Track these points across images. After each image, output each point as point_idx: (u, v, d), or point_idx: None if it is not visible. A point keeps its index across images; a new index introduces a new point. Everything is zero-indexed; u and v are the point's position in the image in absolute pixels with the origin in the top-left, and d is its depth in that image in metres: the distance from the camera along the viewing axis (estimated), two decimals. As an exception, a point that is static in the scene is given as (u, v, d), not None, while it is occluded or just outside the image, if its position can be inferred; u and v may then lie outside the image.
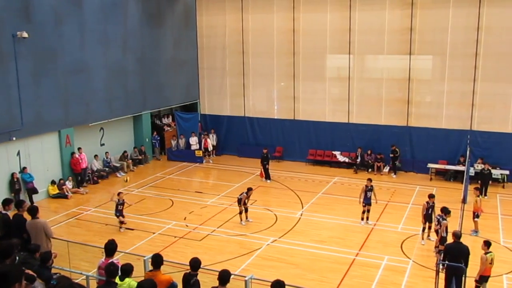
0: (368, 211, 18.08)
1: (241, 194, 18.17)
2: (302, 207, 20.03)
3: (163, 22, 27.47)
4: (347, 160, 26.16)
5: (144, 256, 10.18)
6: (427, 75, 25.33)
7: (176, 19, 28.47)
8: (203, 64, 29.69)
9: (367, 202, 17.98)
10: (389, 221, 18.48)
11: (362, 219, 18.15)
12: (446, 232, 14.63)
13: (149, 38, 26.44)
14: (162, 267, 9.04)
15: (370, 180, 18.46)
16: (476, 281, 12.05)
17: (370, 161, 25.43)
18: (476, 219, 17.11)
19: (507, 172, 23.01)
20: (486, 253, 11.92)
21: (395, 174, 24.66)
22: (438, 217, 15.01)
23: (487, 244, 12.16)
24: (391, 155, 24.77)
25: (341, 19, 25.60)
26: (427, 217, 16.11)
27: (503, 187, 22.84)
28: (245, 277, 9.92)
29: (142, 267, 10.13)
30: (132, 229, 17.49)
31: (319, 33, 26.30)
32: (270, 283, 8.14)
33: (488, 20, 23.00)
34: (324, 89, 26.99)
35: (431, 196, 16.20)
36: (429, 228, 16.18)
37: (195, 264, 8.78)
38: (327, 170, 25.72)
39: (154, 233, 17.19)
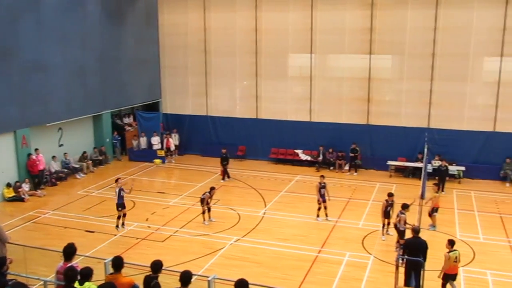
0: (325, 207, 18.32)
1: (204, 194, 18.09)
2: (265, 206, 20.11)
3: (123, 20, 27.04)
4: (309, 158, 26.42)
5: (105, 259, 10.00)
6: (387, 74, 25.87)
7: (137, 17, 28.05)
8: (165, 63, 29.40)
9: (322, 199, 18.23)
10: (350, 217, 18.78)
11: (318, 215, 18.39)
12: (404, 226, 15.03)
13: (109, 36, 25.96)
14: (123, 269, 8.89)
15: (323, 177, 18.77)
16: (442, 279, 12.19)
17: (331, 159, 25.76)
18: (434, 214, 17.59)
19: (463, 168, 23.75)
20: (450, 252, 12.06)
21: (356, 172, 25.04)
22: (399, 213, 15.37)
23: (451, 243, 12.34)
24: (351, 154, 25.15)
25: (303, 18, 25.84)
26: (386, 214, 16.48)
27: (459, 182, 23.54)
28: (208, 277, 9.88)
29: (102, 270, 9.95)
30: (92, 232, 17.16)
31: (281, 32, 26.48)
32: (233, 283, 8.14)
33: (444, 21, 23.68)
34: (286, 88, 27.18)
35: (390, 195, 16.58)
36: (388, 224, 16.55)
37: (156, 266, 8.68)
38: (289, 168, 25.91)
39: (115, 235, 16.92)
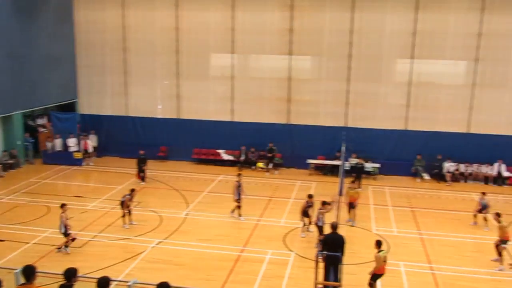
0: (239, 207, 18.55)
1: (124, 196, 17.62)
2: (188, 207, 19.94)
3: (35, 15, 25.63)
4: (231, 158, 26.52)
5: (16, 269, 9.45)
6: (306, 75, 26.50)
7: (50, 12, 26.65)
8: (82, 61, 28.25)
9: (238, 197, 18.45)
10: (272, 216, 19.06)
11: (240, 215, 18.58)
12: (323, 222, 15.51)
13: (19, 33, 24.54)
14: (37, 279, 8.44)
15: (239, 175, 18.97)
16: (370, 278, 12.51)
17: (253, 159, 26.00)
18: (352, 209, 18.28)
19: (378, 165, 24.85)
20: (379, 252, 12.41)
21: (276, 170, 25.42)
22: (318, 210, 15.85)
23: (379, 243, 12.62)
24: (269, 154, 25.49)
25: (224, 18, 25.88)
26: (305, 214, 16.83)
27: (375, 179, 24.62)
28: (128, 282, 9.62)
29: (14, 281, 9.40)
30: (3, 240, 16.16)
31: (203, 32, 26.36)
32: (154, 287, 7.97)
33: (359, 24, 24.68)
34: (208, 87, 27.09)
35: (310, 196, 16.90)
36: (310, 223, 16.93)
37: (69, 274, 8.30)
38: (212, 168, 25.85)
39: (27, 243, 16.03)
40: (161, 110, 27.89)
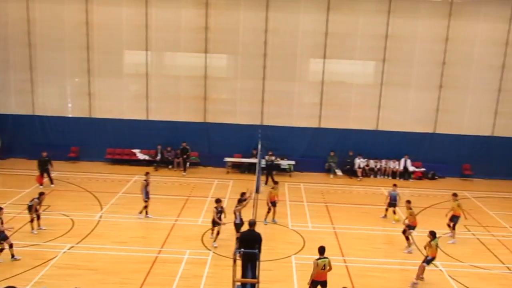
0: (146, 206, 18.32)
1: (32, 200, 16.67)
2: (102, 209, 19.27)
3: None
4: (147, 157, 25.99)
5: None
6: (222, 73, 26.56)
7: None
8: (-20, 57, 26.35)
9: (147, 196, 18.20)
10: (189, 215, 18.93)
11: (141, 212, 18.30)
12: (240, 219, 15.67)
13: None
14: None
15: (147, 174, 18.73)
16: (308, 284, 12.47)
17: (170, 158, 25.64)
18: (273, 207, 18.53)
19: (293, 162, 25.43)
20: (318, 259, 12.14)
21: (184, 171, 24.96)
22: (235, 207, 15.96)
23: (321, 250, 12.32)
24: (184, 156, 25.12)
25: (137, 15, 25.22)
26: (214, 223, 16.35)
27: (290, 176, 25.19)
28: (37, 290, 9.14)
29: None
30: None
31: (115, 28, 25.53)
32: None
33: (273, 23, 25.09)
34: (122, 85, 26.32)
35: (218, 201, 16.28)
36: (218, 233, 16.39)
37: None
38: (127, 168, 25.15)
39: None
40: (71, 109, 26.71)
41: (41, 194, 16.92)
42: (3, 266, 14.07)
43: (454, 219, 17.39)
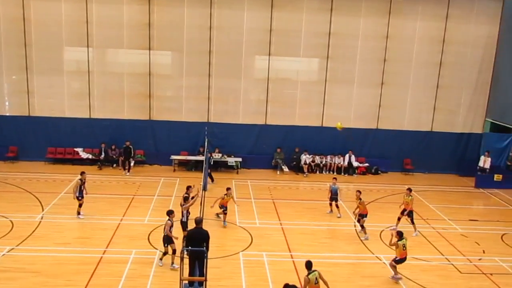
0: (81, 205, 18.00)
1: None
2: (43, 210, 18.63)
3: None
4: (90, 156, 25.33)
5: None
6: (167, 70, 26.23)
7: None
8: None
9: (80, 195, 17.87)
10: (135, 214, 18.61)
11: (79, 213, 17.94)
12: (187, 217, 15.58)
13: None
14: None
15: (83, 173, 18.35)
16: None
17: (114, 156, 25.11)
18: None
19: (240, 159, 25.50)
20: (308, 274, 11.68)
21: (128, 171, 24.32)
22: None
23: (308, 265, 11.77)
24: (128, 155, 24.41)
25: (77, 10, 24.45)
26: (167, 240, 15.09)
27: (237, 173, 25.25)
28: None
29: None
30: None
31: (54, 24, 24.64)
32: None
33: (218, 20, 25.00)
34: (62, 83, 25.43)
35: (170, 213, 14.59)
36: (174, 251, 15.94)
37: None
38: (69, 168, 24.40)
39: None
40: (9, 107, 25.62)
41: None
42: None
43: (410, 214, 17.88)
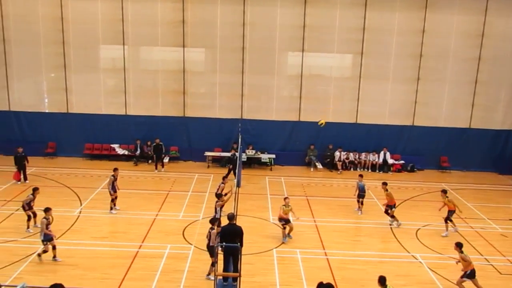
0: (115, 198, 18.42)
1: (27, 198, 16.49)
2: (81, 204, 19.08)
3: None
4: (126, 152, 25.76)
5: None
6: (200, 67, 26.41)
7: None
8: (-47, 52, 25.75)
9: (113, 189, 18.30)
10: (170, 210, 18.83)
11: (111, 208, 18.38)
12: (220, 214, 15.73)
13: None
14: None
15: (115, 169, 18.78)
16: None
17: (149, 153, 25.45)
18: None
19: (273, 156, 25.47)
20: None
21: (162, 167, 24.50)
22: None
23: (381, 280, 11.35)
24: (155, 151, 24.47)
25: (113, 9, 24.90)
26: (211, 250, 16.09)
27: (271, 169, 25.24)
28: (16, 286, 9.00)
29: None
30: None
31: (91, 22, 25.17)
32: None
33: (251, 17, 25.00)
34: (99, 80, 25.98)
35: (214, 221, 14.29)
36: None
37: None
38: (105, 164, 24.85)
39: None
40: (48, 104, 26.32)
41: (35, 189, 16.70)
42: (-21, 264, 13.86)
43: (449, 213, 17.50)
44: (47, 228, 14.17)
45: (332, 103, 26.20)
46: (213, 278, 12.57)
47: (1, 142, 25.65)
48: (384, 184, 18.29)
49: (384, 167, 25.88)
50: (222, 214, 15.65)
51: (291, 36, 25.32)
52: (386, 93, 25.98)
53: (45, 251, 14.21)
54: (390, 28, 25.20)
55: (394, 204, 17.78)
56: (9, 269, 13.50)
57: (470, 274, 13.27)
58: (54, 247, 14.35)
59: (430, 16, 24.96)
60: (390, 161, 25.96)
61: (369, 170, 25.72)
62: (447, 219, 17.47)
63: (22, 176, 21.66)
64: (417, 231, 17.64)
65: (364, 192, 19.32)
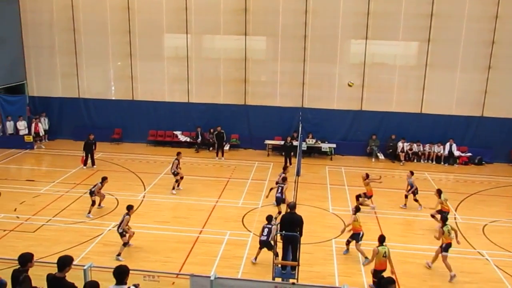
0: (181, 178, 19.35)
1: (94, 186, 17.19)
2: (145, 189, 19.67)
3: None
4: (188, 139, 26.27)
5: (-36, 255, 9.10)
6: (262, 55, 26.41)
7: (-7, -9, 25.38)
8: (29, 42, 27.07)
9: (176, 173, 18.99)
10: (230, 197, 19.05)
11: (174, 188, 19.24)
12: (282, 194, 16.69)
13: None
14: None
15: (179, 153, 19.72)
16: (372, 274, 12.57)
17: (210, 140, 25.82)
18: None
19: (334, 145, 25.16)
20: (378, 246, 12.25)
21: (222, 155, 24.62)
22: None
23: (380, 239, 12.43)
24: (217, 139, 24.72)
25: (177, -3, 25.36)
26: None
27: (331, 159, 24.96)
28: (83, 266, 9.40)
29: (-38, 267, 9.06)
30: (-50, 227, 15.52)
31: (155, 11, 25.74)
32: (111, 270, 7.84)
33: (314, 4, 24.64)
34: (162, 68, 26.59)
35: (270, 219, 14.69)
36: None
37: (23, 259, 8.07)
38: (168, 150, 25.48)
39: (-23, 228, 15.46)
40: (114, 91, 27.26)
41: (104, 178, 17.37)
42: (50, 242, 14.61)
43: None
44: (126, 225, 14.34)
45: (395, 92, 25.48)
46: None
47: (72, 128, 26.89)
48: (438, 192, 16.83)
49: (450, 159, 24.93)
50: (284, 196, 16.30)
51: (354, 23, 24.77)
52: (453, 82, 24.92)
53: (126, 244, 14.32)
54: (460, 14, 24.03)
55: (447, 212, 16.23)
56: (77, 249, 14.17)
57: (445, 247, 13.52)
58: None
59: (505, 0, 23.59)
60: (456, 153, 24.96)
61: (434, 162, 24.88)
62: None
63: (90, 161, 22.54)
64: (484, 227, 16.92)
65: (413, 188, 18.38)
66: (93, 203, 16.99)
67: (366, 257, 13.89)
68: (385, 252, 12.15)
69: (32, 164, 23.39)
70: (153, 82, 26.78)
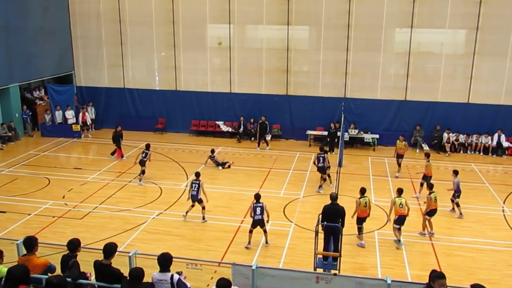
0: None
1: (143, 154, 19.22)
2: (187, 178, 19.95)
3: (28, -13, 25.19)
4: (230, 129, 26.45)
5: (17, 240, 9.48)
6: (304, 45, 26.21)
7: (43, -17, 26.21)
8: (77, 33, 27.88)
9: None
10: (271, 187, 19.08)
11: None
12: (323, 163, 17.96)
13: (13, 5, 24.13)
14: (39, 250, 8.47)
15: (213, 151, 20.46)
16: (356, 222, 14.44)
17: (252, 130, 25.91)
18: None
19: (377, 136, 24.79)
20: (360, 198, 14.38)
21: (267, 145, 24.59)
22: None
23: (361, 191, 14.61)
24: (260, 129, 24.54)
25: (221, -12, 25.45)
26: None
27: (374, 150, 24.61)
28: (129, 253, 9.65)
29: (15, 252, 9.43)
30: (4, 212, 16.22)
31: (199, 2, 25.96)
32: (155, 257, 8.01)
33: (358, -8, 24.24)
34: (205, 59, 26.82)
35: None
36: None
37: (72, 245, 8.34)
38: (210, 140, 25.80)
39: (29, 214, 16.09)
40: (158, 82, 27.72)
41: (148, 146, 19.55)
42: (97, 228, 15.07)
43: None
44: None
45: (442, 82, 24.81)
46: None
47: (117, 117, 27.48)
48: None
49: (498, 150, 24.11)
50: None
51: (399, 11, 24.21)
52: (503, 71, 24.03)
53: (193, 206, 15.74)
54: (510, 0, 23.17)
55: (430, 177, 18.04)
56: (122, 236, 14.57)
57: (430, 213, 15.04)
58: (203, 208, 15.70)
59: (559, -15, 22.56)
60: (505, 144, 24.12)
61: (481, 153, 24.14)
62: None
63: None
64: (533, 220, 16.35)
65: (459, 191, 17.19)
66: (143, 172, 18.94)
67: (399, 240, 14.37)
68: (365, 202, 14.36)
69: (79, 153, 24.14)
70: (196, 73, 27.07)
